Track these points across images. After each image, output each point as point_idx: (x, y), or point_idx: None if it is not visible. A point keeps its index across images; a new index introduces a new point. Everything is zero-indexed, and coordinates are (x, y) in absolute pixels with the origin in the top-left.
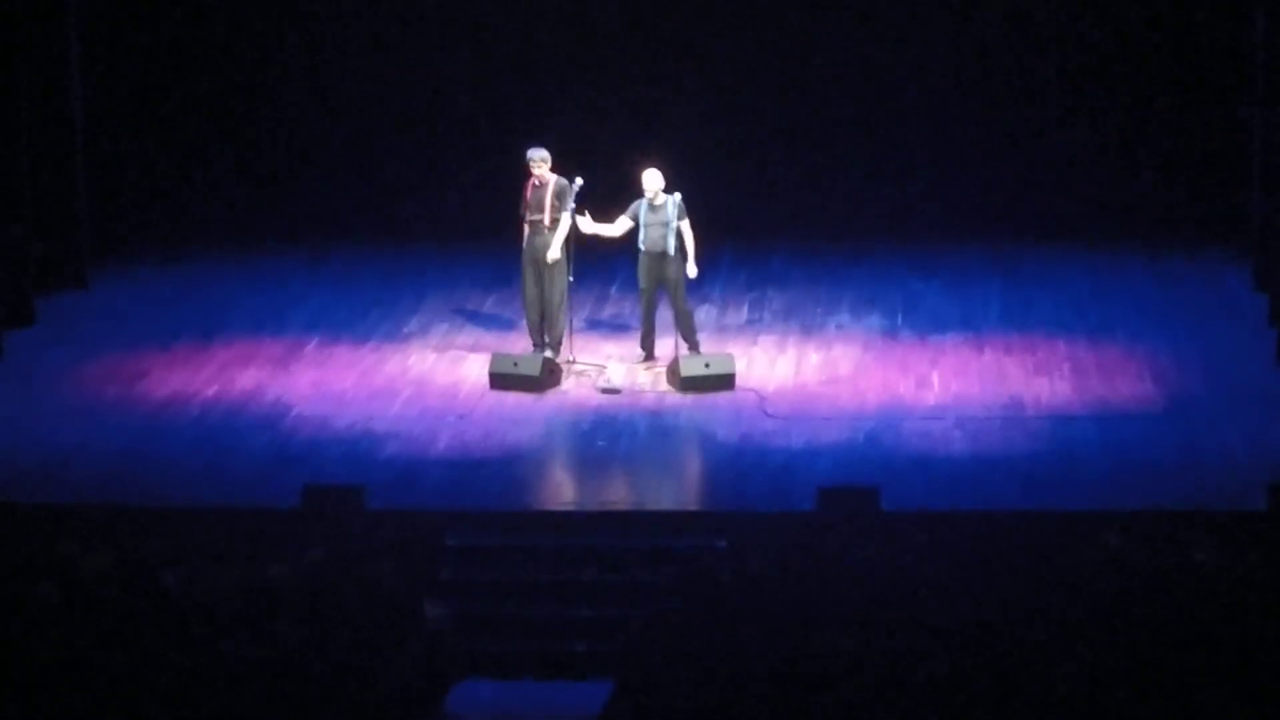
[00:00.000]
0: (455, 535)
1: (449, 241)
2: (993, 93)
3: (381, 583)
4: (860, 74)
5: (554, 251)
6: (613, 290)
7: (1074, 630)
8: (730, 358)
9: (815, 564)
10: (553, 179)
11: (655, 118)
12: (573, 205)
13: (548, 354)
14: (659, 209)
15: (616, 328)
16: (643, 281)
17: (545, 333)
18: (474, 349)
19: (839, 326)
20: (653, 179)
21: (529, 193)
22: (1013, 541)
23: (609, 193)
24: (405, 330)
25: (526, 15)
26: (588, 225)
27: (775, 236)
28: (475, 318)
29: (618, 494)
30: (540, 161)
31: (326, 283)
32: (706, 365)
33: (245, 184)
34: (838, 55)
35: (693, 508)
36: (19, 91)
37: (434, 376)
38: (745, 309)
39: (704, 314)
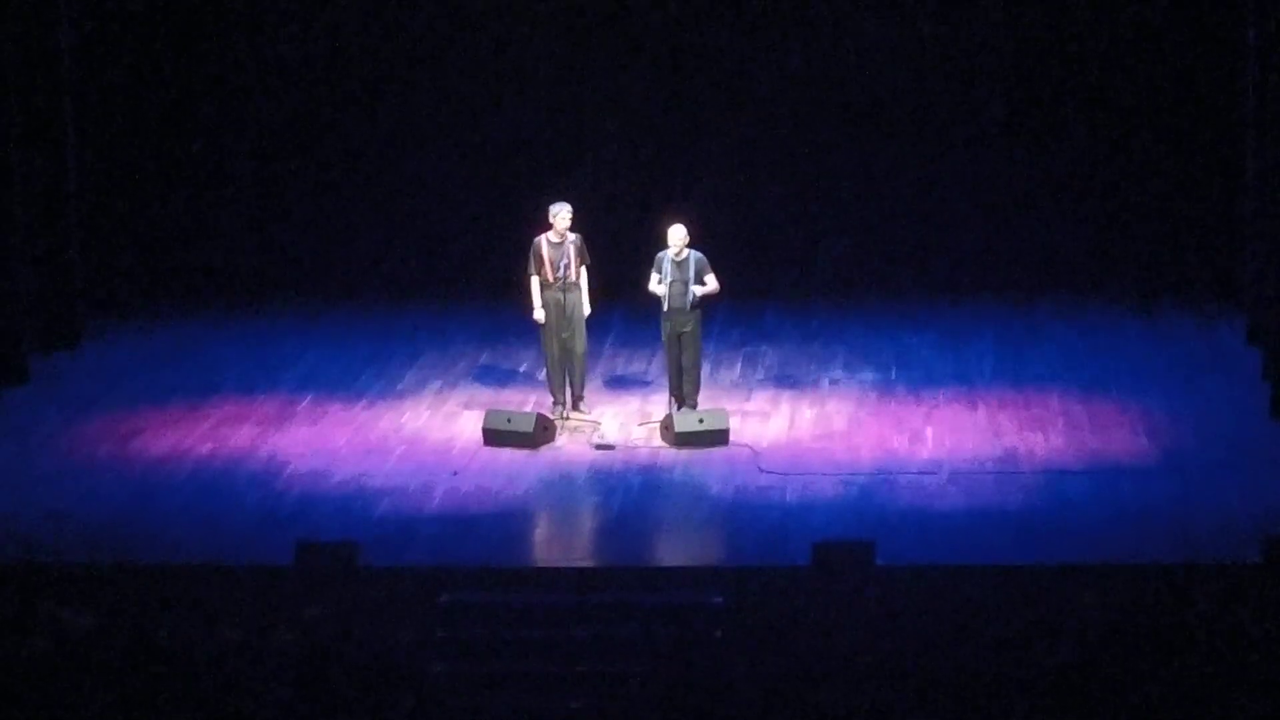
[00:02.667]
0: (449, 591)
1: (441, 298)
2: (985, 148)
3: (374, 639)
4: (852, 130)
5: (588, 306)
6: (606, 347)
7: (1069, 683)
8: (724, 413)
9: (810, 618)
10: (570, 235)
11: (648, 175)
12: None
13: (580, 408)
14: (682, 264)
15: (612, 383)
16: (665, 334)
17: (568, 389)
18: (468, 405)
19: (832, 382)
20: (677, 234)
21: (545, 249)
22: (1007, 595)
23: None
24: (398, 387)
25: (517, 77)
26: (654, 286)
27: (767, 293)
28: (469, 374)
29: (612, 550)
30: (567, 216)
31: (319, 341)
32: (700, 421)
33: (238, 243)
34: (829, 112)
35: (687, 563)
36: (12, 152)
37: (427, 433)
38: (739, 365)
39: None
